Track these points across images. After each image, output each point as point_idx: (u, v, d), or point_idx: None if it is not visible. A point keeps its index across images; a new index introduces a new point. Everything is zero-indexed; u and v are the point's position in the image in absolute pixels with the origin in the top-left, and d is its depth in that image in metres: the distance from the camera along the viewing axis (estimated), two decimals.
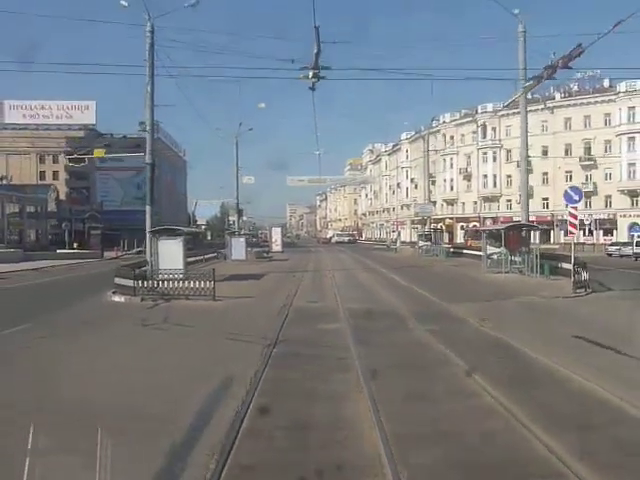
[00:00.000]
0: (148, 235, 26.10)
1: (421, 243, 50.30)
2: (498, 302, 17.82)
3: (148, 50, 27.23)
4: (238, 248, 41.59)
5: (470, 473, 5.38)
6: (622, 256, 44.57)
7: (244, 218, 71.92)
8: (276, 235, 59.44)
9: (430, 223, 63.17)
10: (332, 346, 11.33)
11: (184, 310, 17.01)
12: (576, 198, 20.68)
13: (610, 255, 47.65)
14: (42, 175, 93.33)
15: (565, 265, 23.07)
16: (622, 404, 7.18)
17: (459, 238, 74.89)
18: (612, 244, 52.70)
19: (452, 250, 46.61)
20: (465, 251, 44.62)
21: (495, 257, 28.77)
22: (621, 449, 5.84)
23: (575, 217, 20.46)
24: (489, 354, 10.51)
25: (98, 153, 28.45)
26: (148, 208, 27.58)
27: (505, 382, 8.29)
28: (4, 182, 75.12)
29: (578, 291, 19.52)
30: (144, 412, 7.05)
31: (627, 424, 6.59)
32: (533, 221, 70.32)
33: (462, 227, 78.14)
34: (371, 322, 14.27)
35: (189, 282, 20.17)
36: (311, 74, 17.23)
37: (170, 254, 23.61)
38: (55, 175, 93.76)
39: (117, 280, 21.03)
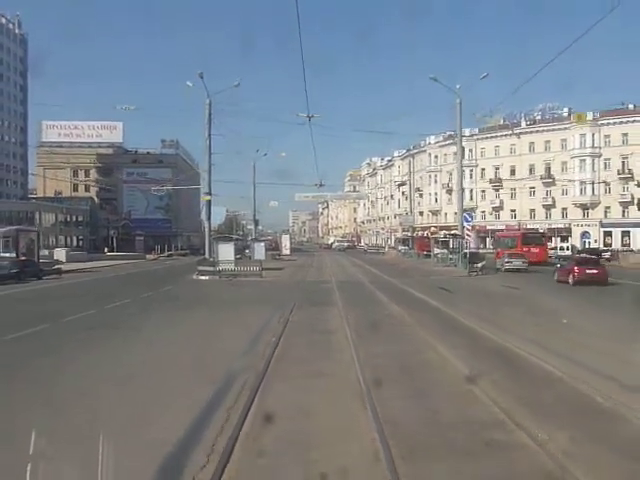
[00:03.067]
0: (208, 239, 41.51)
1: (400, 247, 65.45)
2: (420, 278, 32.89)
3: (207, 117, 42.39)
4: (259, 250, 56.33)
5: (352, 285, 20.30)
6: (556, 257, 59.26)
7: (259, 227, 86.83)
8: (285, 241, 74.60)
9: (413, 231, 78.14)
10: (328, 292, 26.35)
11: (247, 281, 32.07)
12: (469, 219, 35.87)
13: (550, 257, 62.30)
14: (75, 187, 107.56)
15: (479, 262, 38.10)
16: (426, 299, 22.11)
17: None
18: (551, 249, 67.36)
19: (424, 253, 61.33)
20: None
21: (440, 256, 43.78)
22: (411, 301, 20.81)
23: (470, 230, 35.60)
24: (395, 293, 25.39)
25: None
26: (207, 223, 43.11)
27: (392, 296, 23.20)
28: (57, 196, 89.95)
29: (471, 273, 34.58)
30: (259, 299, 22.18)
31: (419, 300, 21.59)
32: (502, 230, 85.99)
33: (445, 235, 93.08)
34: (347, 285, 29.25)
35: (243, 267, 35.40)
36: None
37: (226, 252, 38.63)
38: (87, 188, 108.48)
39: (199, 267, 36.13)
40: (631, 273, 36.31)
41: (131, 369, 10.39)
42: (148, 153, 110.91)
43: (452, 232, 46.40)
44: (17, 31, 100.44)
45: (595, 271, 29.10)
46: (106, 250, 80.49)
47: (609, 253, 55.48)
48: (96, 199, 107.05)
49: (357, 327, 14.51)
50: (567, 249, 62.75)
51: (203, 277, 34.92)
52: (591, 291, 26.06)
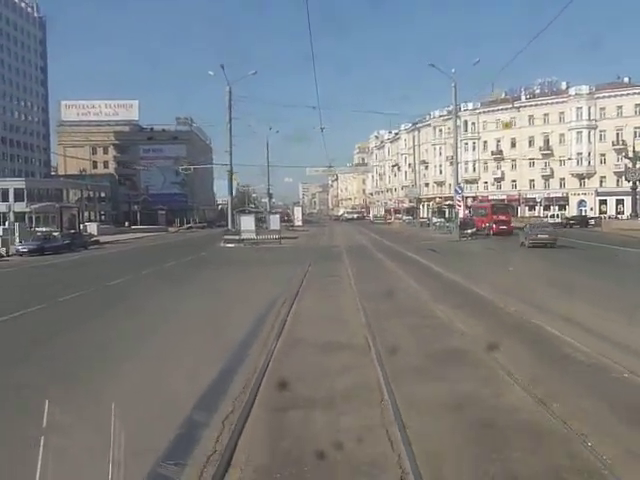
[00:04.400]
0: (230, 212, 47.55)
1: (404, 217, 71.35)
2: (416, 243, 38.71)
3: (228, 104, 47.98)
4: (274, 221, 62.15)
5: (357, 248, 26.29)
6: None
7: (273, 200, 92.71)
8: (297, 213, 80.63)
9: (419, 202, 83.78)
10: (337, 253, 32.29)
11: (269, 247, 38.16)
12: (459, 191, 41.60)
13: None
14: (95, 164, 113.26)
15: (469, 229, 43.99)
16: (415, 257, 28.03)
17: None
18: (547, 217, 72.88)
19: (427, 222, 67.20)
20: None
21: (438, 224, 49.59)
22: (402, 258, 26.77)
23: (460, 201, 41.40)
24: (391, 253, 31.31)
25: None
26: (229, 198, 49.03)
27: (388, 255, 29.17)
28: (81, 173, 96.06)
29: (462, 238, 40.39)
30: (282, 259, 28.27)
31: (409, 257, 27.55)
32: (504, 200, 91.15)
33: (448, 205, 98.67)
34: (353, 248, 35.19)
35: (264, 236, 41.46)
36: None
37: (247, 223, 44.65)
38: (105, 164, 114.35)
39: (225, 237, 42.23)
40: (582, 234, 43.20)
41: (204, 301, 16.59)
42: (163, 130, 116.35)
43: (447, 203, 52.37)
44: (36, 14, 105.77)
45: (505, 227, 45.61)
46: (127, 224, 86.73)
47: (593, 220, 61.26)
48: (115, 175, 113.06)
49: (357, 274, 20.47)
50: (557, 217, 68.34)
51: (230, 245, 41.02)
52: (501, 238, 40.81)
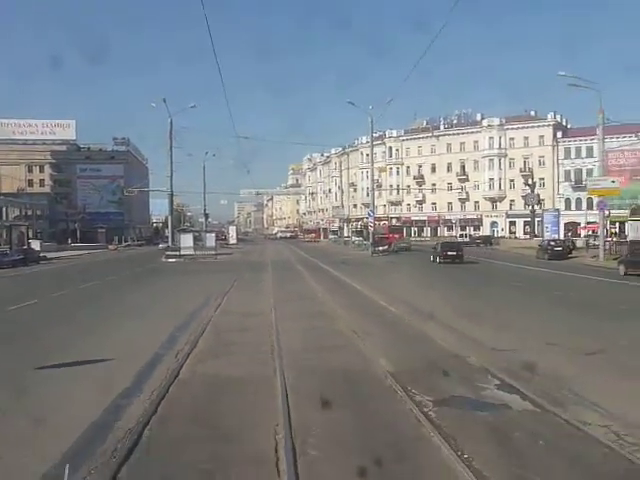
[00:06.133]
0: (170, 231, 53.44)
1: (331, 236, 79.03)
2: (335, 258, 45.69)
3: (169, 134, 54.00)
4: (210, 239, 68.26)
5: (282, 262, 32.96)
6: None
7: (209, 220, 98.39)
8: (232, 231, 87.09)
9: (348, 222, 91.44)
10: (263, 265, 38.92)
11: (205, 261, 44.40)
12: (372, 214, 49.08)
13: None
14: (30, 182, 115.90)
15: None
16: (327, 268, 34.91)
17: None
18: (459, 236, 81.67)
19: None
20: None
21: (356, 242, 56.92)
22: (317, 269, 33.59)
23: (373, 222, 48.90)
24: (309, 266, 38.12)
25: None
26: (170, 217, 54.93)
27: (306, 267, 35.97)
28: (20, 192, 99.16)
29: (374, 255, 47.65)
30: (218, 270, 34.71)
31: (322, 268, 34.42)
32: (425, 221, 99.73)
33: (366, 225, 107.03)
34: (280, 262, 41.79)
35: (201, 252, 47.64)
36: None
37: (186, 241, 50.76)
38: (42, 182, 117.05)
39: (167, 253, 48.17)
40: (475, 250, 54.21)
41: (163, 294, 22.95)
42: (100, 150, 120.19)
43: (364, 224, 60.27)
44: None
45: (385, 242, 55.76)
46: (70, 241, 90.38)
47: (495, 240, 70.53)
48: (52, 194, 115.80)
49: (278, 280, 27.21)
50: (465, 236, 77.28)
51: (171, 260, 46.98)
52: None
